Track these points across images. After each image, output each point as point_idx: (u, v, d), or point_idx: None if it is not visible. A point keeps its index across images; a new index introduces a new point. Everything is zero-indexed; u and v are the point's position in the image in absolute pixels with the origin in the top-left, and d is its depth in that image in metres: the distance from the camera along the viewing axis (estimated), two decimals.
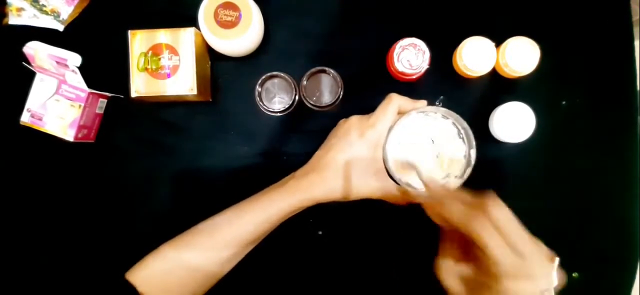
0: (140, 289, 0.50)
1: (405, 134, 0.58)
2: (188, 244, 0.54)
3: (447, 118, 0.56)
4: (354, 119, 0.56)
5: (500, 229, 0.36)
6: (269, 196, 0.55)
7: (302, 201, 0.54)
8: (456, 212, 0.39)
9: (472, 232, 0.37)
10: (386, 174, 0.55)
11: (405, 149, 0.58)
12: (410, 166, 0.57)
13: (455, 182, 0.55)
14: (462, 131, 0.56)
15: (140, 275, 0.52)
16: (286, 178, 0.57)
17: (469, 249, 0.41)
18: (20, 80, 0.64)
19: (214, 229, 0.54)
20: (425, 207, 0.45)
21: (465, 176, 0.55)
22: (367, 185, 0.54)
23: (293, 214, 0.56)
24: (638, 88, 0.66)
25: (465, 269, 0.42)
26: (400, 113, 0.56)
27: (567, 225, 0.66)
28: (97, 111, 0.66)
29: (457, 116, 0.55)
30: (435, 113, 0.56)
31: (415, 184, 0.56)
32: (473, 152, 0.54)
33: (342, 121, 0.57)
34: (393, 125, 0.55)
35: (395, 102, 0.55)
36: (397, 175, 0.55)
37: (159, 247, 0.54)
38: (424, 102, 0.57)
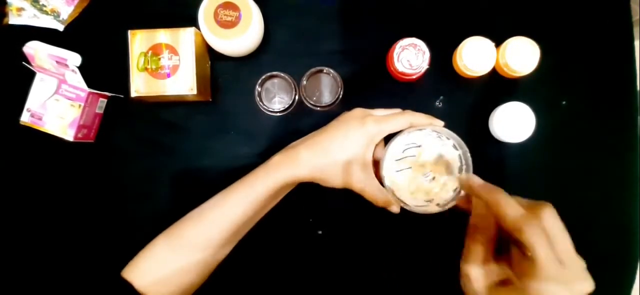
0: (136, 285, 0.51)
1: (412, 143, 0.57)
2: (178, 235, 0.54)
3: (457, 149, 0.56)
4: (357, 110, 0.56)
5: (551, 237, 0.38)
6: (254, 174, 0.55)
7: (287, 177, 0.54)
8: (512, 213, 0.40)
9: (523, 234, 0.38)
10: (372, 170, 0.55)
11: (408, 157, 0.58)
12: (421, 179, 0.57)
13: (435, 209, 0.55)
14: (464, 167, 0.55)
15: (135, 271, 0.52)
16: (272, 156, 0.57)
17: (501, 249, 0.42)
18: (20, 80, 0.64)
19: (201, 216, 0.54)
20: (474, 205, 0.45)
21: (446, 208, 0.54)
22: (351, 175, 0.54)
23: (280, 192, 0.55)
24: (638, 88, 0.66)
25: (493, 268, 0.42)
26: (413, 126, 0.56)
27: (567, 225, 0.65)
28: (97, 111, 0.66)
29: (466, 150, 0.54)
30: (448, 139, 0.56)
31: (399, 193, 0.56)
32: (462, 193, 0.54)
33: (345, 111, 0.57)
34: (402, 131, 0.55)
35: (408, 117, 0.55)
36: (387, 180, 0.55)
37: (151, 242, 0.54)
38: (441, 123, 0.56)
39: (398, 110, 0.58)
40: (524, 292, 0.38)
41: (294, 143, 0.58)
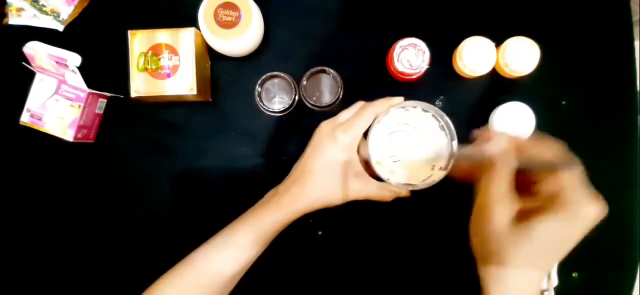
0: None
1: (388, 129, 0.57)
2: (175, 286, 0.52)
3: (427, 111, 0.55)
4: (324, 126, 0.55)
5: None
6: (254, 216, 0.54)
7: (288, 214, 0.53)
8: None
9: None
10: (366, 175, 0.54)
11: (392, 144, 0.57)
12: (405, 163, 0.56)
13: (440, 174, 0.55)
14: (443, 123, 0.55)
15: None
16: (269, 194, 0.56)
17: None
18: (20, 80, 0.64)
19: (203, 261, 0.53)
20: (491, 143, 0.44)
21: (449, 167, 0.54)
22: (350, 189, 0.53)
23: (281, 229, 0.55)
24: (638, 88, 0.66)
25: (514, 201, 0.42)
26: (377, 116, 0.55)
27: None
28: (97, 111, 0.66)
29: (436, 108, 0.54)
30: (415, 107, 0.55)
31: (399, 179, 0.55)
32: (454, 143, 0.54)
33: (316, 129, 0.56)
34: (372, 125, 0.54)
35: (370, 109, 0.54)
36: (382, 172, 0.54)
37: (149, 289, 0.52)
38: (400, 99, 0.55)
39: (358, 104, 0.56)
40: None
41: (282, 185, 0.56)
